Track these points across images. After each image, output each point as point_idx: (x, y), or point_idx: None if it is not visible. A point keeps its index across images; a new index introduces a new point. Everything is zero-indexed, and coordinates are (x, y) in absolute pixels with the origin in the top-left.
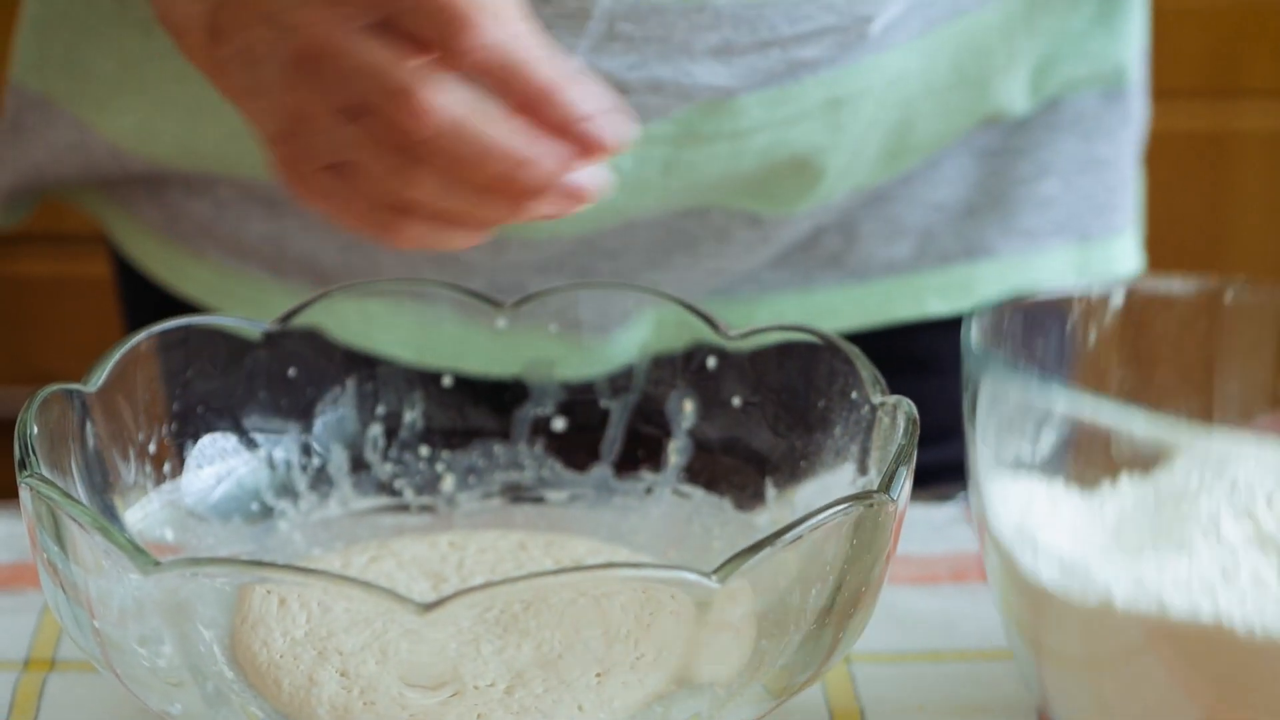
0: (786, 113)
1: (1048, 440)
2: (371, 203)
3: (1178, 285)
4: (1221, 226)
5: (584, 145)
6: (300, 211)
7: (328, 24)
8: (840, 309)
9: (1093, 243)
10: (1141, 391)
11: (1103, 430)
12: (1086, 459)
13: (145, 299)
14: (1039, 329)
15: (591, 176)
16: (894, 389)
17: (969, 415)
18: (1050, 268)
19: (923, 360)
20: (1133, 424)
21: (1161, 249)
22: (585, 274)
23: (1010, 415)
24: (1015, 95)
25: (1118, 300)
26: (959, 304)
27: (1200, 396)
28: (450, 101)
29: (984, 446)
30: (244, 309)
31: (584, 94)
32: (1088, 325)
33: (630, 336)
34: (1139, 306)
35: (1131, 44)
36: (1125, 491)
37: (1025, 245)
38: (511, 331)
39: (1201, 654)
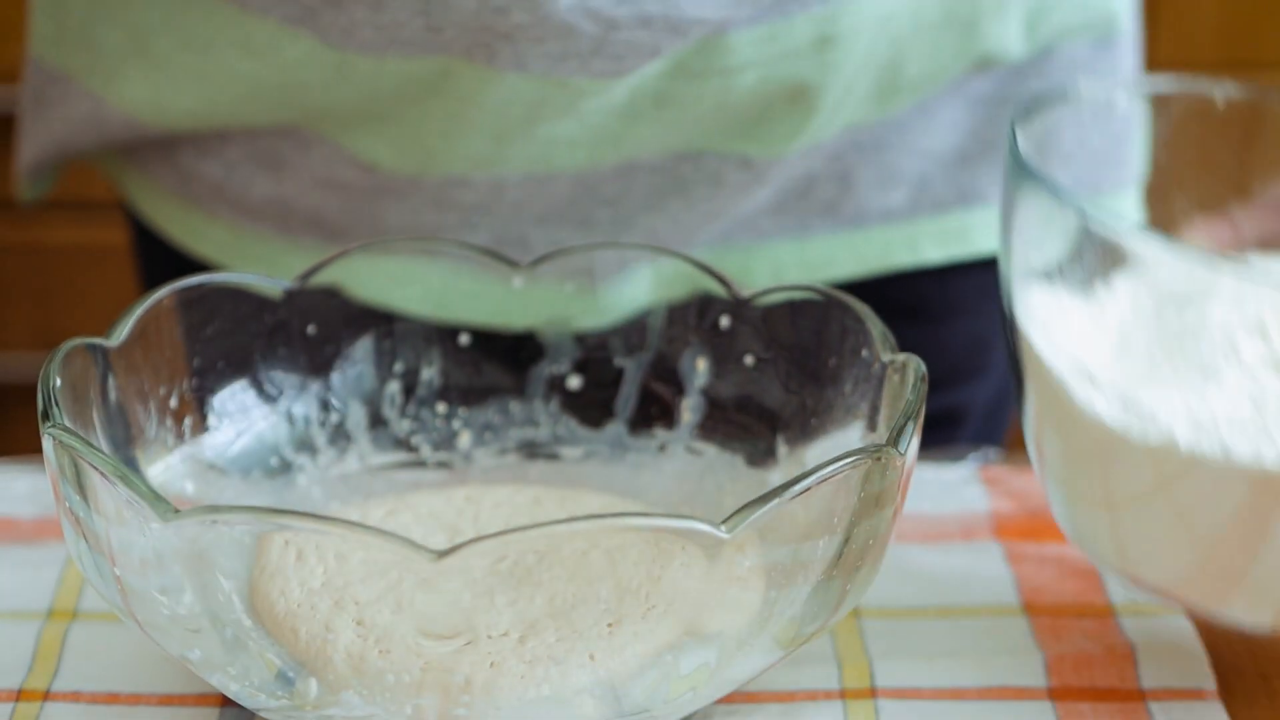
0: (778, 49)
1: (1061, 247)
2: None
3: (1205, 87)
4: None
5: None
6: (302, 173)
7: None
8: (837, 257)
9: (1090, 196)
10: (1169, 189)
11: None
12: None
13: (161, 261)
14: (1076, 130)
15: None
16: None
17: (1005, 225)
18: None
19: (920, 308)
20: (1150, 246)
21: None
22: (585, 221)
23: (1030, 224)
24: (1008, 39)
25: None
26: (955, 251)
27: (1223, 192)
28: None
29: (1018, 255)
30: (256, 267)
31: None
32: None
33: (640, 280)
34: (1167, 106)
35: None
36: (1123, 293)
37: None
38: (527, 287)
39: (1248, 491)
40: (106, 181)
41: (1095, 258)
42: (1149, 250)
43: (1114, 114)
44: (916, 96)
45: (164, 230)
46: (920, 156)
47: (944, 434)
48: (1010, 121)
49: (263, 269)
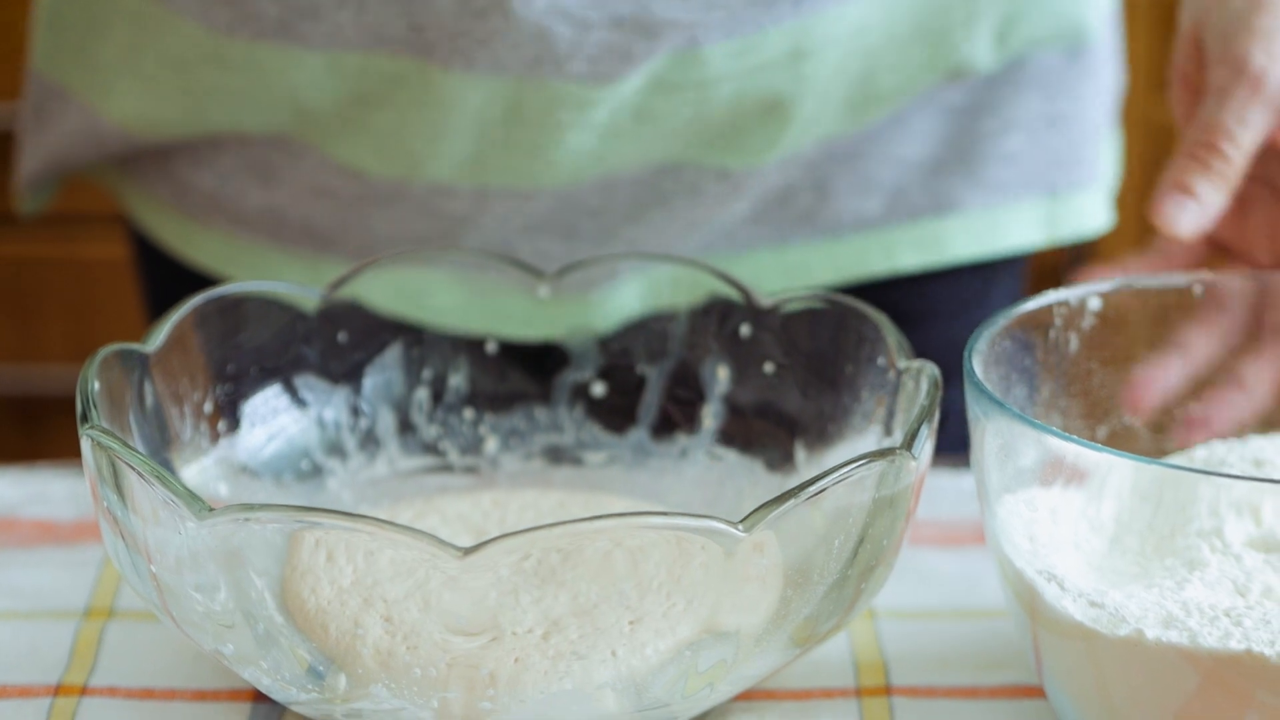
0: (752, 62)
1: (1041, 457)
2: None
3: (1150, 282)
4: None
5: None
6: (293, 182)
7: None
8: (815, 265)
9: (1059, 198)
10: (1127, 388)
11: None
12: (1075, 470)
13: (160, 270)
14: (1027, 344)
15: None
16: None
17: (975, 444)
18: (1018, 222)
19: (897, 314)
20: (1111, 461)
21: None
22: (568, 232)
23: (1005, 442)
24: (978, 51)
25: (1094, 304)
26: (930, 258)
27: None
28: None
29: (991, 471)
30: (250, 276)
31: None
32: (1068, 331)
33: (631, 287)
34: (1115, 307)
35: (1095, 3)
36: (1121, 482)
37: (992, 200)
38: (551, 299)
39: (1229, 677)
40: (106, 194)
41: (1060, 470)
42: (1112, 464)
43: (1065, 119)
44: (890, 108)
45: (161, 240)
46: (895, 165)
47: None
48: (967, 348)
49: (257, 278)
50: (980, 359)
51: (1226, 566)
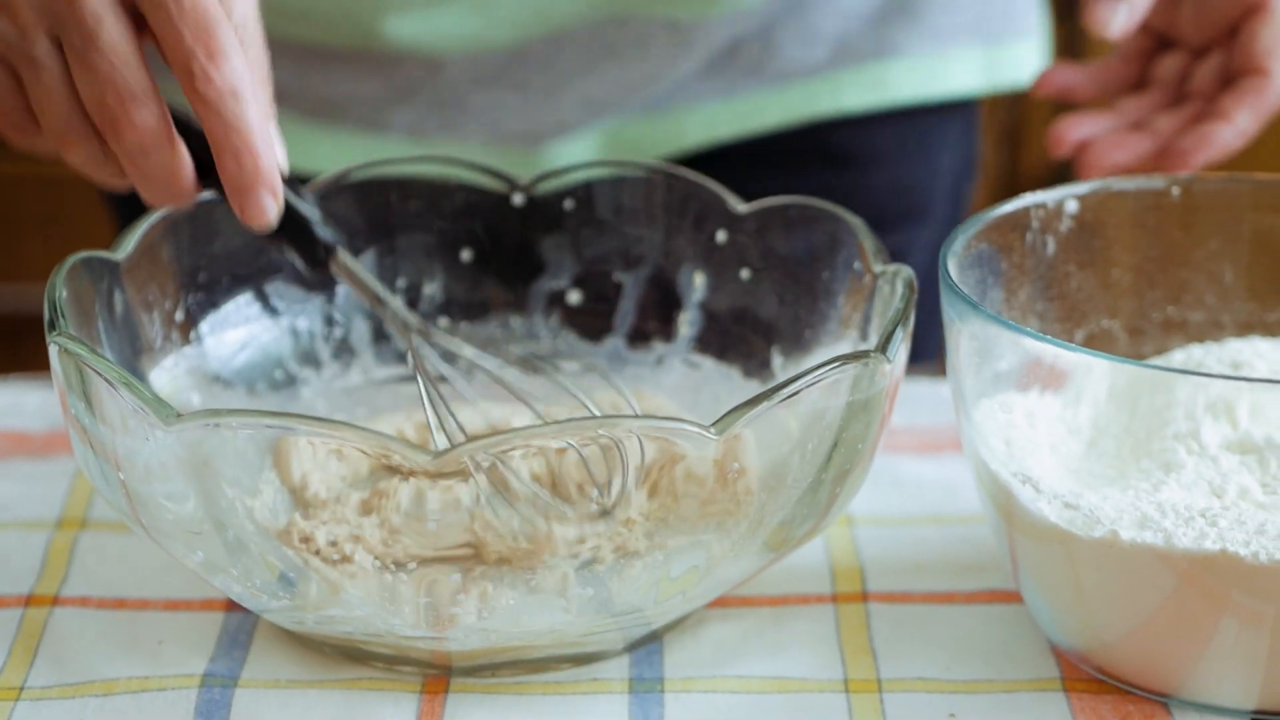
0: None
1: (1018, 360)
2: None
3: (1128, 185)
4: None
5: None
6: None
7: None
8: (764, 109)
9: (996, 45)
10: (1104, 291)
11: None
12: (1052, 373)
13: None
14: (1004, 247)
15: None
16: (816, 184)
17: (951, 348)
18: (958, 66)
19: (843, 155)
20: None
21: None
22: (520, 86)
23: (981, 345)
24: None
25: (1072, 207)
26: (874, 98)
27: (1159, 289)
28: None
29: (967, 375)
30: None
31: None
32: (1045, 235)
33: (585, 143)
34: (1092, 209)
35: None
36: (1098, 385)
37: (933, 45)
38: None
39: (1204, 577)
40: None
41: (1037, 373)
42: (1090, 365)
43: None
44: None
45: None
46: (839, 15)
47: None
48: (942, 250)
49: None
50: (956, 262)
51: (1203, 468)
